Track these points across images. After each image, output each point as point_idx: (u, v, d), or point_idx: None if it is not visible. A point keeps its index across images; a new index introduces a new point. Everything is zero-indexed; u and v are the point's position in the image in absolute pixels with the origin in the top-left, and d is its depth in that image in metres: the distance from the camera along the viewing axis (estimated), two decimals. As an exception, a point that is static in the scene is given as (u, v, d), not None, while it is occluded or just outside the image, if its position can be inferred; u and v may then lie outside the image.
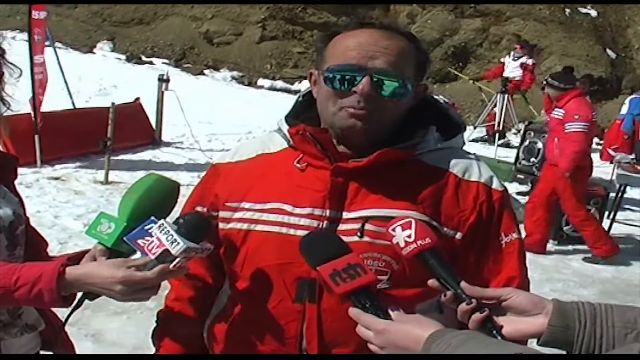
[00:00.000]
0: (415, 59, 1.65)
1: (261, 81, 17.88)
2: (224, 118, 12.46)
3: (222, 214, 1.73)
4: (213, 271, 1.83)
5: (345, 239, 1.51)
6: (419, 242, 1.41)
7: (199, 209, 1.77)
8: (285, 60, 18.75)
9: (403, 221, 1.44)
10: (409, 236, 1.41)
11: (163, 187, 1.70)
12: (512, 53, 14.14)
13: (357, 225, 1.59)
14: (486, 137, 13.64)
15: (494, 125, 13.10)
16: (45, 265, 1.59)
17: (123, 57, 17.83)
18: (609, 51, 19.38)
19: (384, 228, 1.48)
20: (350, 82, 1.58)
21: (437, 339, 1.24)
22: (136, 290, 1.54)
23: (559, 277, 6.57)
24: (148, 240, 1.54)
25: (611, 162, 10.28)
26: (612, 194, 8.24)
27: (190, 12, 19.17)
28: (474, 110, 16.54)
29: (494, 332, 1.33)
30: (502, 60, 14.70)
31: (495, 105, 13.47)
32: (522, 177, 9.96)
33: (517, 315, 1.36)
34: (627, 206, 9.12)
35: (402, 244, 1.42)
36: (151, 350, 1.90)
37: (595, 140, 14.97)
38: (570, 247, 7.40)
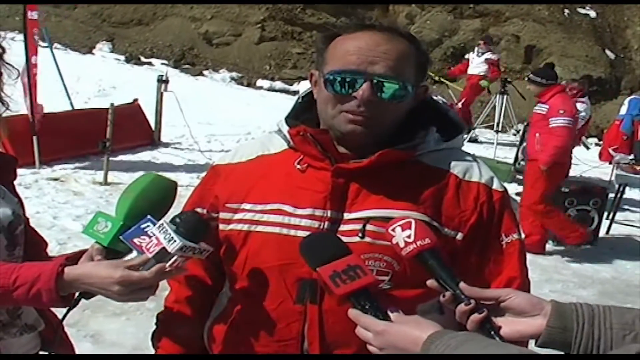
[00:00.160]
0: (416, 61, 1.65)
1: (260, 82, 17.88)
2: (223, 119, 12.45)
3: (222, 215, 1.73)
4: (212, 272, 1.83)
5: (346, 239, 1.51)
6: (418, 243, 1.41)
7: (198, 210, 1.76)
8: (285, 61, 18.75)
9: (403, 221, 1.44)
10: (409, 236, 1.42)
11: (160, 186, 1.70)
12: (476, 49, 14.49)
13: (358, 226, 1.59)
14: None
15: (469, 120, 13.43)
16: (44, 265, 1.59)
17: (122, 57, 17.83)
18: (608, 52, 19.39)
19: (385, 229, 1.48)
20: (350, 86, 1.58)
21: (435, 340, 1.24)
22: (134, 291, 1.54)
23: (558, 277, 6.57)
24: (144, 239, 1.55)
25: (610, 163, 10.28)
26: (612, 195, 8.25)
27: (190, 13, 19.17)
28: (473, 111, 16.54)
29: (493, 332, 1.34)
30: (466, 56, 14.84)
31: (495, 106, 13.49)
32: (521, 177, 9.95)
33: (515, 316, 1.36)
34: (626, 207, 9.13)
35: (401, 244, 1.42)
36: (150, 351, 1.90)
37: (594, 140, 15.04)
38: (569, 248, 7.39)
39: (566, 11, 19.82)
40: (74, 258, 1.64)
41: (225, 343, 1.74)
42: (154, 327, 1.89)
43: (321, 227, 1.60)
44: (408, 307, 1.40)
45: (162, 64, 17.57)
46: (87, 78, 13.70)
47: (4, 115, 1.85)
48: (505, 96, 13.26)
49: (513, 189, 9.46)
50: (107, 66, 16.21)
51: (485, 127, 14.21)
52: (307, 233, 1.58)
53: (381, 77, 1.57)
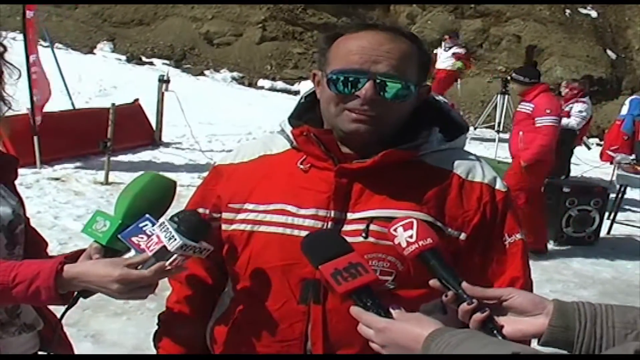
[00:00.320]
0: (418, 60, 1.65)
1: (261, 82, 17.88)
2: (224, 119, 12.46)
3: (224, 215, 1.73)
4: (214, 272, 1.83)
5: (349, 239, 1.51)
6: (420, 243, 1.41)
7: (200, 210, 1.76)
8: (286, 61, 18.75)
9: (405, 221, 1.44)
10: (411, 236, 1.42)
11: (159, 185, 1.70)
12: (443, 44, 14.83)
13: (361, 226, 1.59)
14: None
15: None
16: (43, 263, 1.59)
17: (123, 57, 17.83)
18: (609, 52, 19.38)
19: (387, 229, 1.48)
20: (353, 86, 1.58)
21: (436, 337, 1.25)
22: (133, 289, 1.54)
23: (559, 278, 6.57)
24: (142, 238, 1.55)
25: (611, 163, 10.29)
26: (613, 195, 8.25)
27: (191, 13, 19.17)
28: (474, 111, 16.55)
29: (495, 332, 1.34)
30: (435, 51, 14.93)
31: (496, 105, 13.49)
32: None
33: (517, 316, 1.37)
34: (627, 207, 9.12)
35: (403, 244, 1.42)
36: (151, 351, 1.90)
37: (595, 140, 15.03)
38: (570, 248, 7.39)
39: (567, 11, 19.82)
40: (73, 257, 1.64)
41: (227, 343, 1.74)
42: (155, 327, 1.89)
43: (324, 227, 1.61)
44: (411, 307, 1.41)
45: (163, 63, 17.57)
46: (88, 78, 13.71)
47: (6, 114, 1.85)
48: (506, 96, 13.25)
49: (514, 189, 9.47)
50: (108, 66, 16.21)
51: (486, 127, 14.21)
52: None
53: (384, 77, 1.58)
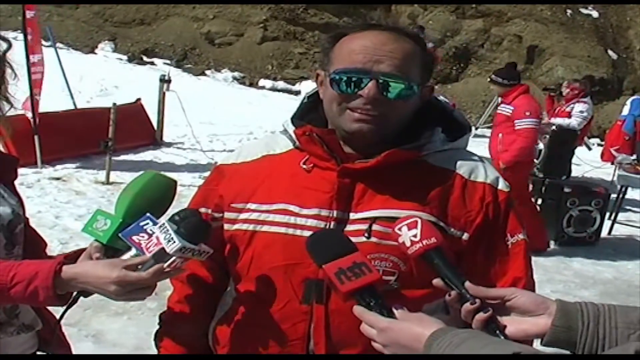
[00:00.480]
0: (421, 61, 1.65)
1: (262, 82, 17.89)
2: (226, 119, 12.47)
3: (227, 215, 1.72)
4: (216, 272, 1.83)
5: (352, 239, 1.50)
6: (424, 242, 1.41)
7: (202, 210, 1.76)
8: (287, 61, 18.76)
9: (409, 221, 1.44)
10: (415, 235, 1.42)
11: (160, 184, 1.70)
12: None
13: (364, 226, 1.59)
14: None
15: None
16: (42, 263, 1.59)
17: (124, 57, 17.85)
18: (610, 52, 19.38)
19: (391, 229, 1.48)
20: (356, 85, 1.58)
21: (438, 337, 1.25)
22: (131, 291, 1.53)
23: (560, 278, 6.56)
24: (143, 237, 1.55)
25: (612, 163, 10.28)
26: (614, 195, 8.24)
27: (192, 13, 19.19)
28: (475, 111, 16.55)
29: (498, 332, 1.34)
30: None
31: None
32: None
33: (520, 316, 1.37)
34: (628, 207, 9.12)
35: (407, 244, 1.43)
36: (152, 350, 1.90)
37: (596, 141, 15.03)
38: (571, 248, 7.39)
39: (568, 11, 19.82)
40: (73, 257, 1.64)
41: (230, 343, 1.74)
42: (156, 326, 1.89)
43: (327, 227, 1.60)
44: (414, 307, 1.41)
45: (165, 63, 17.59)
46: (90, 77, 13.73)
47: (8, 114, 1.85)
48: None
49: (515, 189, 9.45)
50: (110, 66, 16.24)
51: (488, 127, 14.20)
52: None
53: (387, 77, 1.58)
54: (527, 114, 6.79)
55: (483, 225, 1.64)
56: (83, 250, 1.66)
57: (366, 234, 1.58)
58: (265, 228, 1.65)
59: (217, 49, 18.92)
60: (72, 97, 10.22)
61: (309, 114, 1.77)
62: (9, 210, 1.78)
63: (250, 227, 1.67)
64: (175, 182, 1.73)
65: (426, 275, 1.45)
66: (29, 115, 7.94)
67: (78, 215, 6.77)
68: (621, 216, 8.41)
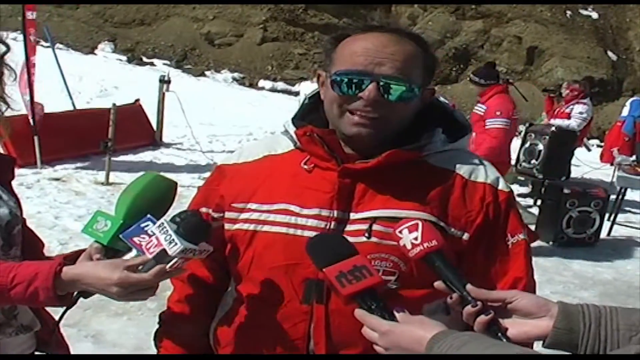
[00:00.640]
0: (423, 63, 1.65)
1: (262, 82, 17.91)
2: (225, 119, 12.48)
3: (228, 215, 1.72)
4: (217, 272, 1.83)
5: (352, 239, 1.51)
6: (425, 245, 1.41)
7: (203, 210, 1.76)
8: (286, 62, 18.78)
9: (410, 223, 1.44)
10: (416, 238, 1.42)
11: (160, 185, 1.70)
12: None
13: (364, 226, 1.59)
14: None
15: None
16: (42, 264, 1.59)
17: (124, 58, 17.87)
18: (610, 53, 19.40)
19: (391, 229, 1.48)
20: (357, 87, 1.58)
21: (439, 340, 1.25)
22: (132, 292, 1.53)
23: (560, 279, 6.56)
24: (144, 238, 1.54)
25: (612, 164, 10.29)
26: (613, 196, 8.25)
27: (192, 13, 19.20)
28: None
29: (499, 334, 1.34)
30: None
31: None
32: (522, 179, 9.97)
33: (522, 318, 1.37)
34: (627, 208, 9.13)
35: (408, 246, 1.43)
36: (152, 351, 1.90)
37: (596, 142, 15.04)
38: (570, 249, 7.39)
39: (568, 12, 19.84)
40: (73, 257, 1.64)
41: (230, 343, 1.74)
42: (156, 327, 1.89)
43: (327, 227, 1.60)
44: (414, 307, 1.41)
45: (164, 64, 17.61)
46: (89, 78, 13.74)
47: (6, 114, 1.85)
48: (507, 96, 13.25)
49: (515, 190, 9.46)
50: (109, 66, 16.25)
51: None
52: (314, 233, 1.58)
53: (388, 79, 1.57)
54: (498, 113, 6.77)
55: (483, 225, 1.64)
56: (82, 251, 1.65)
57: (366, 234, 1.58)
58: (266, 228, 1.65)
59: (217, 50, 18.93)
60: (71, 98, 10.21)
61: (310, 115, 1.77)
62: (7, 211, 1.78)
63: (251, 227, 1.67)
64: (175, 183, 1.73)
65: (426, 276, 1.45)
66: (39, 114, 7.94)
67: (77, 216, 6.77)
68: (620, 217, 8.41)
